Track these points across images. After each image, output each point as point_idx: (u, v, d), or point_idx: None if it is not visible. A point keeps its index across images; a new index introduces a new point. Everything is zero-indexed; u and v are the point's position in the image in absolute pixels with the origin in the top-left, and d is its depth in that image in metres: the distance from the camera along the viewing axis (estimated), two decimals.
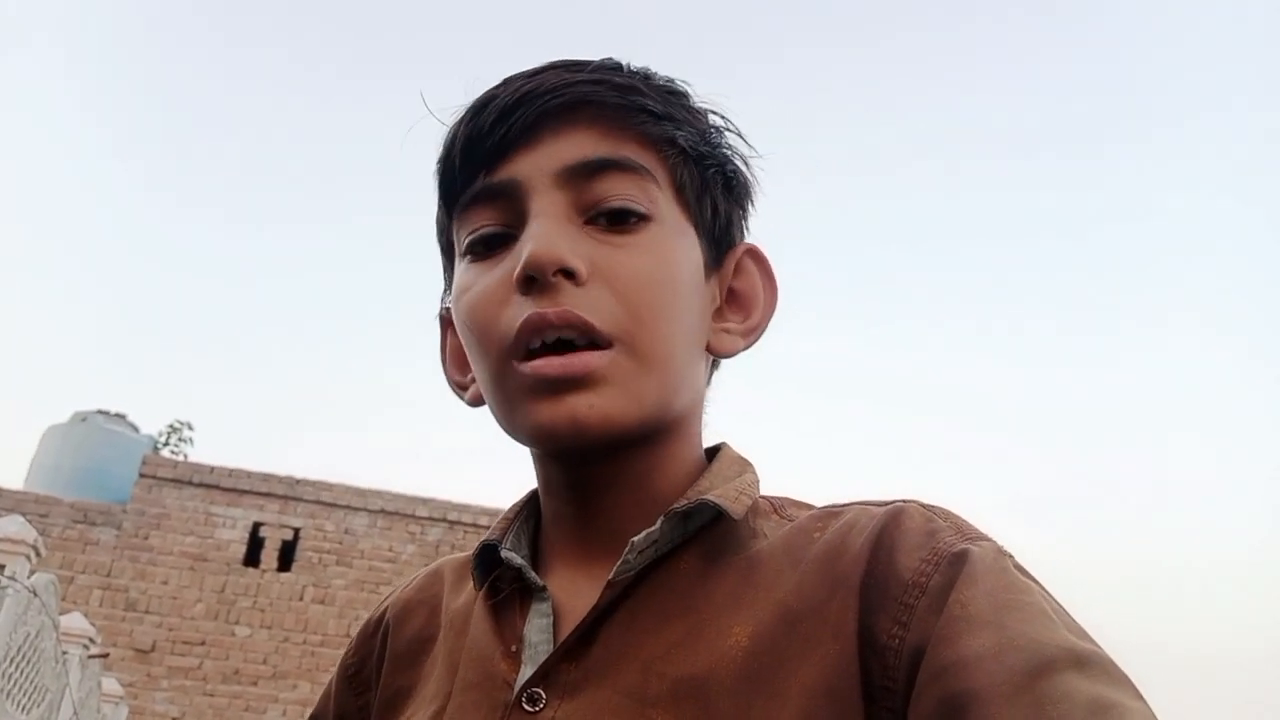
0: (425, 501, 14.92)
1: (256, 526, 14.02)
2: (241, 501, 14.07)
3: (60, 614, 5.14)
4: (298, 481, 14.39)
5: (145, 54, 28.43)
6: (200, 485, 13.98)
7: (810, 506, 0.64)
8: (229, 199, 28.30)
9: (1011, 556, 0.54)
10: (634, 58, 0.66)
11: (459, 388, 0.70)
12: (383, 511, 14.64)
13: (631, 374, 0.58)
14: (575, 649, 0.57)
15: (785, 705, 0.52)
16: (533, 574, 0.62)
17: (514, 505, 0.69)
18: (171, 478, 13.95)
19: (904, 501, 0.59)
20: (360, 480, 14.81)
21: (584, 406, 0.57)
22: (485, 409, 0.65)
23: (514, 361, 0.59)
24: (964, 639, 0.48)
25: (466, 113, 0.64)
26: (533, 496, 0.69)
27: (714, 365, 0.69)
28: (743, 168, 0.68)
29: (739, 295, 0.68)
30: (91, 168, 29.13)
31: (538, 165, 0.61)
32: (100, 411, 15.76)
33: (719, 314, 0.67)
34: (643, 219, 0.61)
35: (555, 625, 0.60)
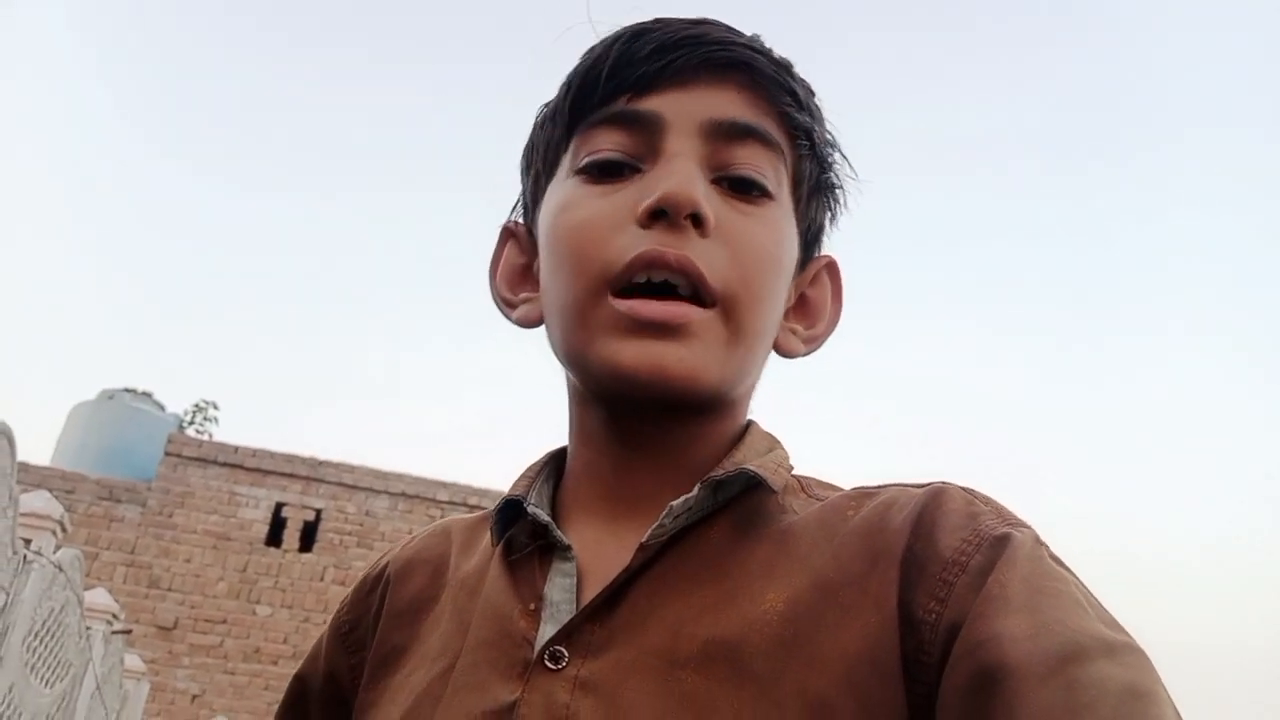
0: (446, 485, 15.00)
1: (279, 507, 14.13)
2: (265, 482, 14.19)
3: (84, 590, 5.19)
4: (320, 463, 14.49)
5: (180, 32, 28.61)
6: (224, 465, 14.10)
7: (837, 488, 0.64)
8: (259, 175, 28.48)
9: (1048, 546, 0.54)
10: None
11: (507, 305, 0.69)
12: (404, 494, 14.72)
13: (723, 339, 0.58)
14: (600, 610, 0.57)
15: (824, 671, 0.51)
16: (558, 532, 0.61)
17: (534, 463, 0.68)
18: (196, 457, 14.08)
19: (944, 483, 0.58)
20: (382, 463, 14.91)
21: (673, 357, 0.57)
22: (534, 331, 0.66)
23: (609, 293, 0.58)
24: (1000, 618, 0.48)
25: (619, 36, 0.63)
26: (553, 456, 0.69)
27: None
28: (840, 187, 0.69)
29: (809, 303, 0.69)
30: (118, 146, 29.38)
31: (686, 108, 0.60)
32: (127, 390, 15.92)
33: (788, 315, 0.67)
34: (766, 195, 0.61)
35: (578, 585, 0.59)
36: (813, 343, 0.68)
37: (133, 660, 7.91)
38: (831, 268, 0.70)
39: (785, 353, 0.67)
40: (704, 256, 0.57)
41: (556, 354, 0.64)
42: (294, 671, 0.77)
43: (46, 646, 4.47)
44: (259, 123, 28.93)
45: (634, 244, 0.57)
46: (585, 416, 0.65)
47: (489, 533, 0.66)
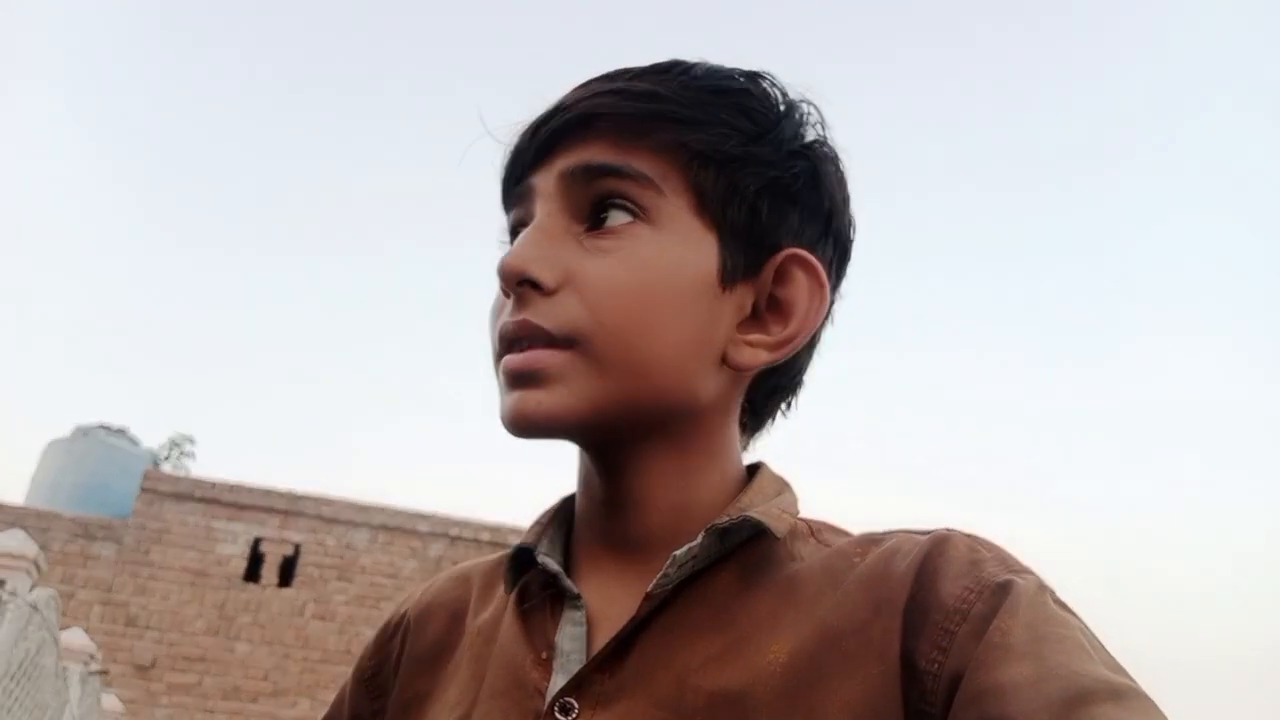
0: (426, 517, 14.90)
1: (257, 542, 14.00)
2: (242, 516, 14.06)
3: (61, 630, 5.13)
4: (298, 496, 14.37)
5: (148, 70, 28.56)
6: (201, 500, 13.96)
7: (848, 533, 0.64)
8: (226, 215, 28.38)
9: (1052, 591, 0.55)
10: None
11: None
12: (383, 527, 14.62)
13: (585, 374, 0.58)
14: (609, 660, 0.57)
15: None
16: (568, 581, 0.62)
17: (547, 510, 0.69)
18: (172, 492, 13.94)
19: (948, 530, 0.59)
20: (361, 495, 14.81)
21: (532, 402, 0.58)
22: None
23: (498, 361, 0.62)
24: (1002, 667, 0.49)
25: (521, 130, 0.66)
26: (564, 503, 0.70)
27: (772, 381, 0.67)
28: (816, 165, 0.65)
29: (781, 303, 0.64)
30: (92, 186, 29.24)
31: (550, 170, 0.63)
32: (102, 426, 15.77)
33: (757, 324, 0.64)
34: (633, 219, 0.60)
35: (589, 634, 0.60)
36: (782, 346, 0.63)
37: (110, 701, 7.80)
38: (799, 259, 0.64)
39: (741, 366, 0.63)
40: (546, 313, 0.59)
41: None
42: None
43: (23, 688, 4.41)
44: (230, 169, 28.88)
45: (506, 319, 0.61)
46: (580, 463, 0.66)
47: (504, 581, 0.67)
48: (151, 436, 17.08)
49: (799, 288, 0.64)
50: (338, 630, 13.73)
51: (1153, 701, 0.48)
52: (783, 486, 0.65)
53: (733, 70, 0.65)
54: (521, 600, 0.64)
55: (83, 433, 15.56)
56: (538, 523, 0.68)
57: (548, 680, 0.59)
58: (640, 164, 0.61)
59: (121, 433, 15.94)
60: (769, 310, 0.64)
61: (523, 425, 0.59)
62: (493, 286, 0.65)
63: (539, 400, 0.58)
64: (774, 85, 0.65)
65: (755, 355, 0.63)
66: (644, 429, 0.61)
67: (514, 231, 0.66)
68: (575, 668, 0.58)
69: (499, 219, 0.70)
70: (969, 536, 0.58)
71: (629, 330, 0.59)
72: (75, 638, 5.85)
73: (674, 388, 0.61)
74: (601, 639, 0.59)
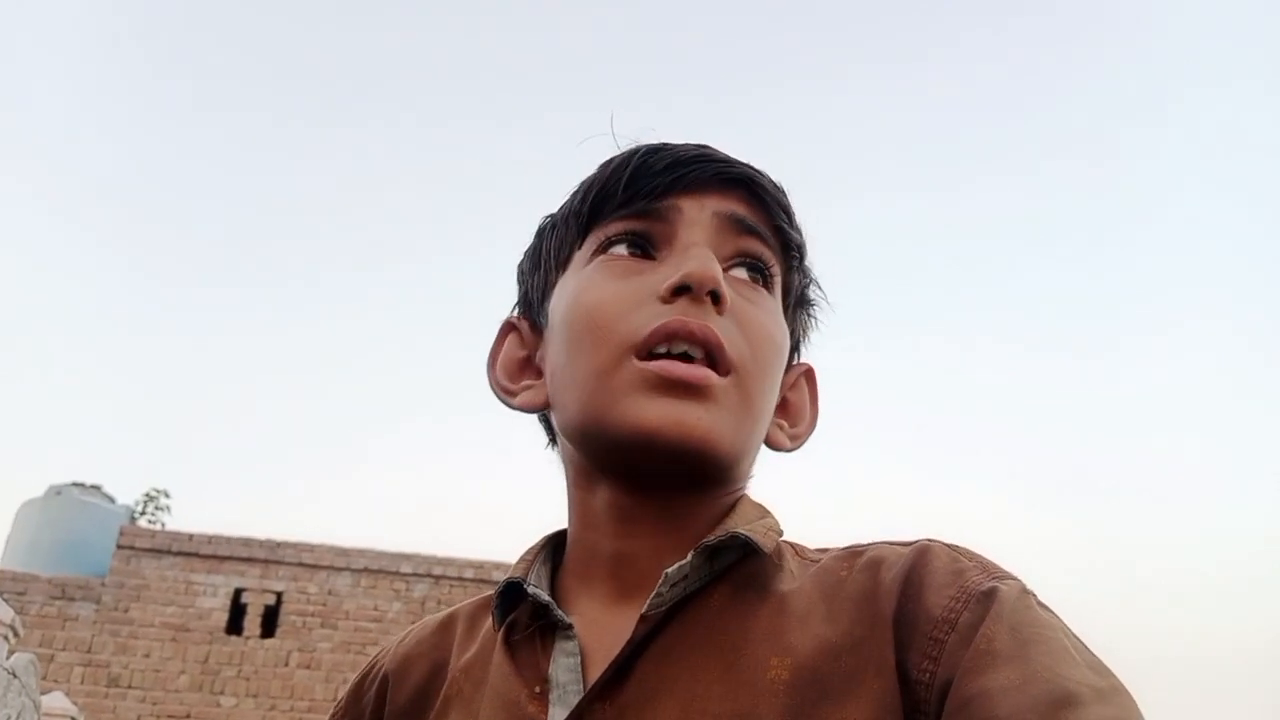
0: (409, 557, 14.77)
1: (238, 593, 13.82)
2: (222, 568, 13.89)
3: (41, 694, 5.06)
4: (278, 544, 14.22)
5: (108, 106, 28.44)
6: (179, 554, 13.78)
7: (829, 550, 0.66)
8: (196, 260, 28.22)
9: (1035, 594, 0.57)
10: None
11: (506, 393, 0.72)
12: (366, 570, 14.48)
13: (737, 406, 0.63)
14: (608, 687, 0.58)
15: None
16: (559, 611, 0.62)
17: (532, 546, 0.71)
18: (150, 547, 13.75)
19: (928, 540, 0.61)
20: (342, 539, 14.67)
21: (694, 417, 0.60)
22: (529, 417, 0.73)
23: (634, 357, 0.61)
24: (989, 672, 0.50)
25: (635, 151, 0.69)
26: (550, 539, 0.71)
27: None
28: (815, 302, 0.76)
29: (790, 406, 0.74)
30: (59, 243, 29.01)
31: (700, 204, 0.67)
32: (75, 484, 15.56)
33: (775, 410, 0.71)
34: (768, 284, 0.68)
35: (583, 664, 0.60)
36: (796, 440, 0.72)
37: None
38: (809, 375, 0.76)
39: (773, 445, 0.71)
40: (722, 329, 0.62)
41: (567, 430, 0.67)
42: None
43: None
44: (190, 209, 28.77)
45: (656, 316, 0.61)
46: (589, 498, 0.67)
47: (490, 617, 0.67)
48: (126, 492, 16.87)
49: (804, 397, 0.75)
50: (324, 679, 13.55)
51: (1134, 701, 0.50)
52: (764, 512, 0.68)
53: None
54: (509, 636, 0.65)
55: (56, 491, 15.35)
56: (523, 558, 0.69)
57: (546, 714, 0.59)
58: (772, 237, 0.69)
59: (96, 489, 15.74)
60: (780, 407, 0.72)
61: (680, 436, 0.60)
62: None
63: (700, 416, 0.60)
64: None
65: (782, 440, 0.72)
66: (725, 471, 0.65)
67: (627, 234, 0.67)
68: (574, 699, 0.58)
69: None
70: (949, 546, 0.60)
71: (767, 376, 0.66)
72: (56, 701, 5.77)
73: (759, 442, 0.68)
74: (596, 668, 0.59)
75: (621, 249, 0.66)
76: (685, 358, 0.61)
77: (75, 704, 6.13)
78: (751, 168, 0.69)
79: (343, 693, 0.76)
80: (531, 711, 0.59)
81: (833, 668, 0.55)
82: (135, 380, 29.01)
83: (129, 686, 12.94)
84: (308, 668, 13.61)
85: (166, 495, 17.08)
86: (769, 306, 0.67)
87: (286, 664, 13.60)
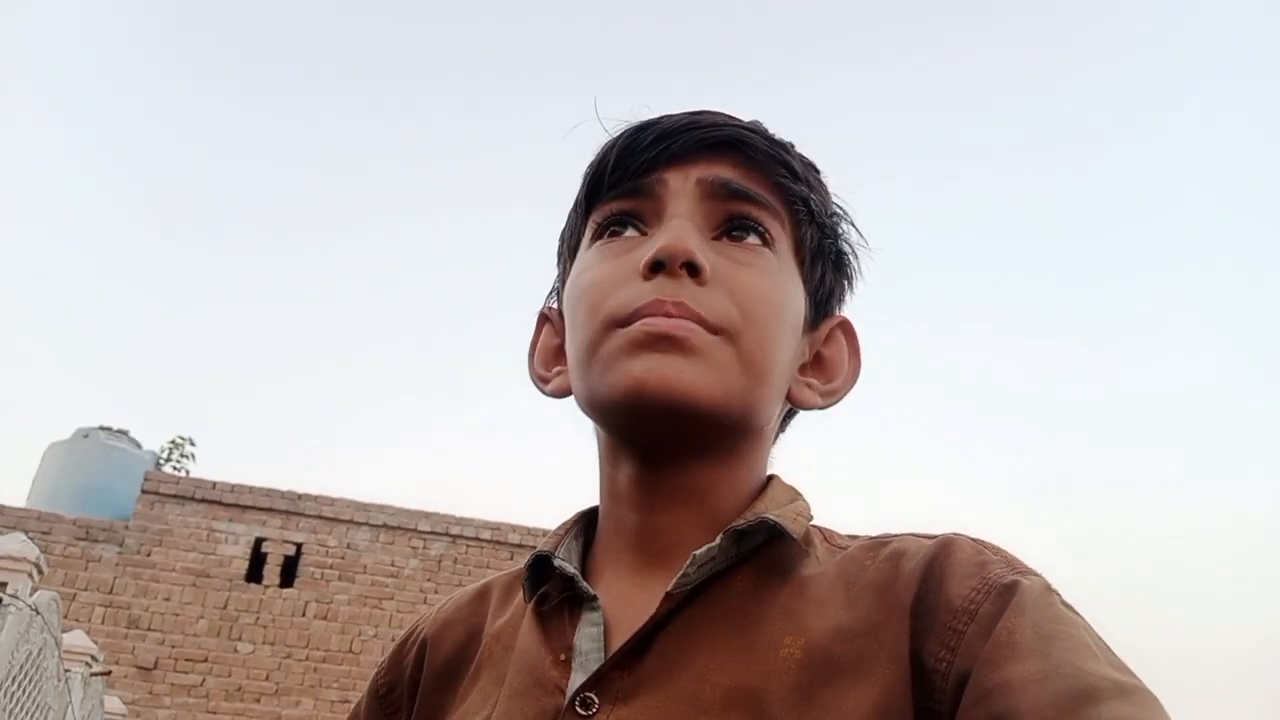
0: (427, 515, 14.91)
1: (259, 542, 14.01)
2: (244, 517, 14.06)
3: (62, 632, 5.13)
4: (300, 496, 14.38)
5: (140, 73, 28.59)
6: (202, 501, 13.97)
7: (858, 537, 0.66)
8: (225, 216, 28.38)
9: (1058, 592, 0.56)
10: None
11: (541, 380, 0.75)
12: (385, 526, 14.63)
13: (728, 362, 0.62)
14: (628, 657, 0.59)
15: (838, 718, 0.53)
16: (584, 583, 0.64)
17: (564, 522, 0.72)
18: (174, 494, 13.94)
19: (954, 534, 0.61)
20: (362, 495, 14.81)
21: (675, 369, 0.60)
22: (564, 401, 0.71)
23: (616, 328, 0.62)
24: (1010, 664, 0.50)
25: (627, 129, 0.70)
26: (583, 515, 0.72)
27: (788, 416, 0.74)
28: (851, 253, 0.75)
29: (825, 360, 0.73)
30: (91, 185, 29.24)
31: (685, 174, 0.66)
32: (102, 428, 15.76)
33: (804, 370, 0.71)
34: (765, 242, 0.67)
35: (606, 635, 0.62)
36: (831, 396, 0.71)
37: (113, 702, 7.80)
38: (846, 327, 0.74)
39: (801, 404, 0.70)
40: (702, 301, 0.62)
41: (581, 407, 0.68)
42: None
43: (25, 691, 4.41)
44: (234, 165, 28.91)
45: (638, 295, 0.62)
46: (615, 474, 0.68)
47: (522, 588, 0.69)
48: (152, 438, 17.03)
49: (842, 350, 0.73)
50: (340, 630, 13.73)
51: (1157, 699, 0.49)
52: (795, 495, 0.68)
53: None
54: (539, 606, 0.66)
55: (83, 435, 15.56)
56: (555, 532, 0.71)
57: (567, 678, 0.60)
58: (769, 197, 0.67)
59: (123, 434, 15.94)
60: (813, 364, 0.72)
61: (661, 389, 0.60)
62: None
63: (682, 369, 0.60)
64: None
65: (812, 398, 0.71)
66: (722, 434, 0.64)
67: (620, 214, 0.68)
68: (595, 666, 0.60)
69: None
70: (975, 540, 0.60)
71: (767, 336, 0.64)
72: (77, 639, 5.86)
73: (771, 402, 0.67)
74: (619, 639, 0.61)
75: (617, 229, 0.68)
76: None
77: (95, 643, 6.22)
78: (741, 127, 0.68)
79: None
80: (554, 676, 0.61)
81: (845, 650, 0.56)
82: (168, 329, 29.32)
83: (148, 629, 13.16)
84: (324, 619, 13.79)
85: (192, 443, 17.27)
86: (767, 267, 0.66)
87: (304, 614, 13.78)
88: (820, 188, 0.71)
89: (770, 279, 0.66)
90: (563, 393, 0.71)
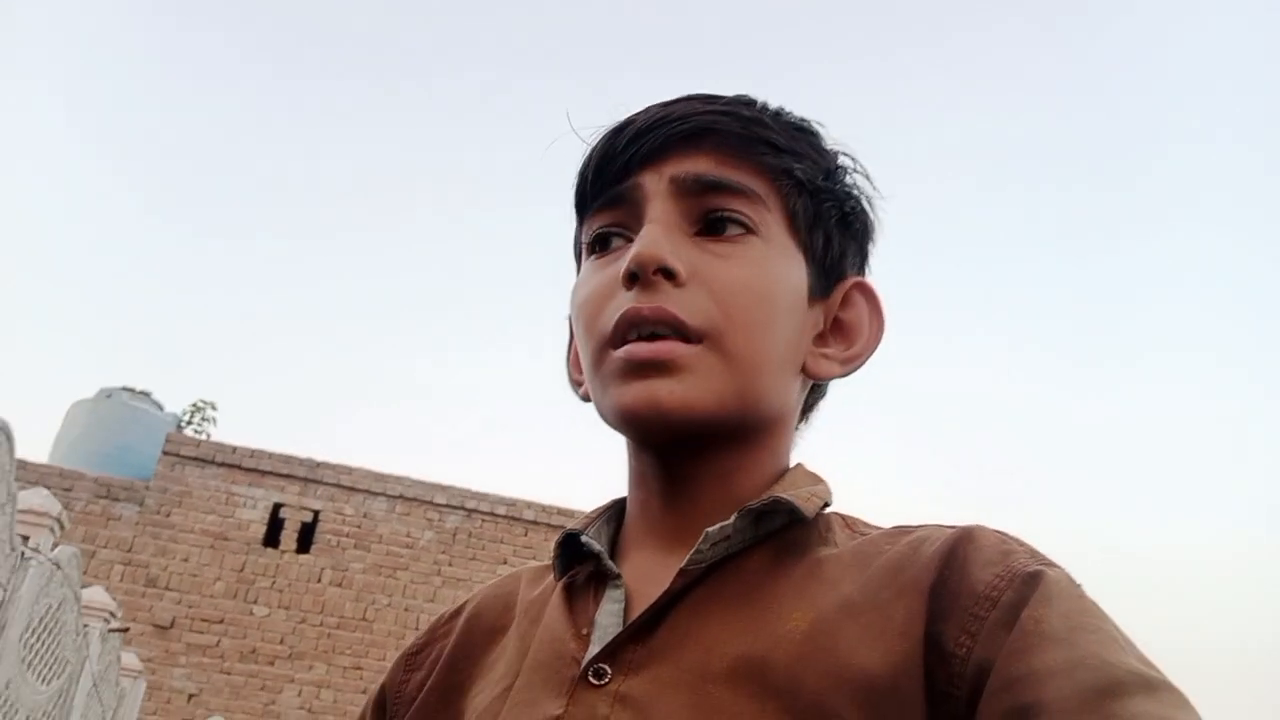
0: (444, 488, 15.00)
1: (277, 507, 14.14)
2: (263, 482, 14.19)
3: (82, 587, 5.19)
4: (318, 464, 14.49)
5: (188, 43, 28.64)
6: (222, 465, 14.11)
7: (881, 526, 0.66)
8: (254, 191, 28.49)
9: (1082, 586, 0.56)
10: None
11: (575, 384, 0.75)
12: (401, 497, 14.73)
13: (715, 369, 0.62)
14: (641, 631, 0.60)
15: (839, 688, 0.53)
16: (609, 561, 0.66)
17: (598, 508, 0.74)
18: (194, 456, 14.08)
19: (977, 524, 0.61)
20: (380, 465, 14.90)
21: (664, 390, 0.61)
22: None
23: (609, 349, 0.64)
24: (1036, 654, 0.50)
25: (605, 135, 0.70)
26: (615, 502, 0.74)
27: (815, 392, 0.74)
28: (865, 207, 0.73)
29: (844, 325, 0.71)
30: (121, 148, 29.40)
31: (658, 174, 0.66)
32: (126, 389, 15.92)
33: (822, 340, 0.70)
34: (746, 231, 0.65)
35: (626, 610, 0.63)
36: (851, 362, 0.70)
37: (129, 658, 7.91)
38: (863, 288, 0.72)
39: (819, 375, 0.70)
40: (681, 303, 0.62)
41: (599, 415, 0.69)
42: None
43: (44, 643, 4.47)
44: (262, 130, 28.98)
45: (619, 308, 0.63)
46: (639, 463, 0.69)
47: (553, 567, 0.71)
48: (175, 401, 17.19)
49: (861, 312, 0.72)
50: (354, 597, 13.86)
51: (1184, 696, 0.49)
52: (817, 480, 0.69)
53: (796, 114, 0.71)
54: (568, 584, 0.68)
55: (106, 394, 15.72)
56: (587, 516, 0.72)
57: (585, 651, 0.61)
58: (747, 181, 0.66)
59: (145, 395, 16.09)
60: (832, 330, 0.71)
61: (654, 413, 0.62)
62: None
63: (671, 389, 0.61)
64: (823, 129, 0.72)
65: (830, 368, 0.70)
66: (732, 428, 0.65)
67: (609, 226, 0.68)
68: (611, 639, 0.61)
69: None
70: (997, 531, 0.60)
71: (753, 329, 0.64)
72: (96, 595, 5.93)
73: (776, 389, 0.66)
74: (638, 614, 0.61)
75: (605, 240, 0.68)
76: (654, 337, 0.62)
77: (114, 600, 6.30)
78: (714, 111, 0.67)
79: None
80: (573, 648, 0.62)
81: (853, 623, 0.56)
82: (196, 296, 29.51)
83: (166, 588, 13.33)
84: (339, 585, 13.92)
85: (214, 407, 17.39)
86: (750, 255, 0.65)
87: (319, 580, 13.91)
88: (810, 152, 0.69)
89: (753, 268, 0.65)
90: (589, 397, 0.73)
